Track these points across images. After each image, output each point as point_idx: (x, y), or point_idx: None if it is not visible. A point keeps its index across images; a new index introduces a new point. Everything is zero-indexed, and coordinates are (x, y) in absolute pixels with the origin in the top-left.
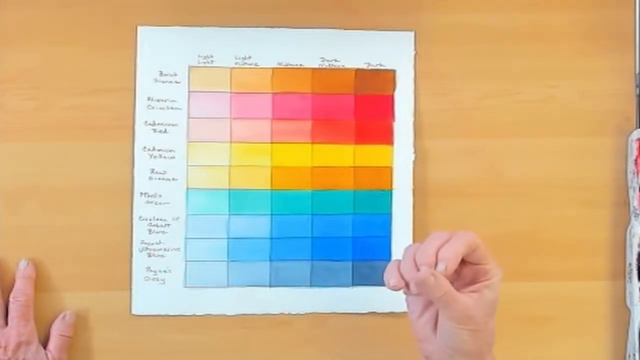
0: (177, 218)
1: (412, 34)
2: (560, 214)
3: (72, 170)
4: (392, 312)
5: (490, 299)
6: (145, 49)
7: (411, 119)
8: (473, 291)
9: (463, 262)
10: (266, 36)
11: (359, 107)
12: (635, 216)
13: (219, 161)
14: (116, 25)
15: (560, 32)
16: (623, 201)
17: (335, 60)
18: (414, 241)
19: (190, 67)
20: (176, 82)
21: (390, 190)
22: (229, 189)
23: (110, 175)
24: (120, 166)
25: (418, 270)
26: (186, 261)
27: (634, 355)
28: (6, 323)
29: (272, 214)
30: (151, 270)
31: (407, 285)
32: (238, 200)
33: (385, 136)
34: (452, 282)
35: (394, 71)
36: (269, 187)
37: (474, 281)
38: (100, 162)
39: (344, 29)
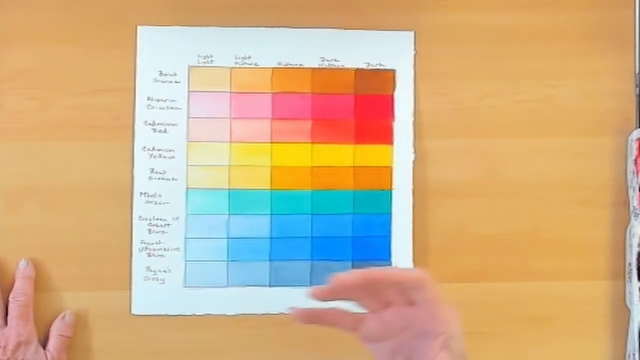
0: (177, 218)
1: (412, 34)
2: (560, 214)
3: (72, 170)
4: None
5: (461, 353)
6: (145, 49)
7: (411, 119)
8: (442, 349)
9: (415, 305)
10: (266, 36)
11: (359, 107)
12: (635, 216)
13: (219, 161)
14: (116, 25)
15: (560, 32)
16: (623, 201)
17: (335, 60)
18: (414, 241)
19: (190, 67)
20: (176, 82)
21: (390, 190)
22: (229, 189)
23: (110, 175)
24: (120, 166)
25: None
26: (186, 261)
27: (634, 355)
28: (6, 323)
29: (272, 214)
30: (151, 270)
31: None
32: (238, 200)
33: (385, 136)
34: (405, 330)
35: (394, 71)
36: (269, 187)
37: (432, 331)
38: (100, 162)
39: (344, 29)
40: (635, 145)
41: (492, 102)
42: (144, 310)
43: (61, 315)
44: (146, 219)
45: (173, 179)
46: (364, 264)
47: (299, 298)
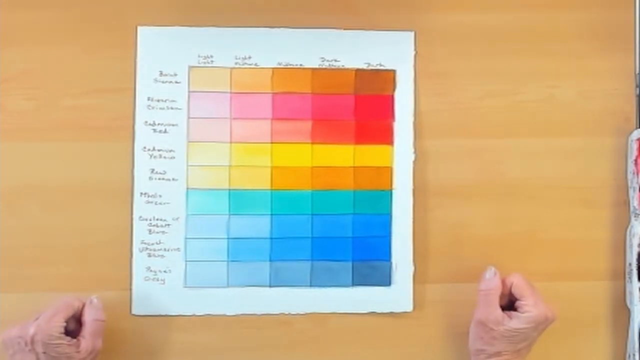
0: (177, 218)
1: (412, 34)
2: (560, 214)
3: (72, 170)
4: (392, 312)
5: (514, 327)
6: (145, 49)
7: (411, 119)
8: (507, 315)
9: (512, 297)
10: (266, 36)
11: (359, 107)
12: (635, 216)
13: (219, 161)
14: (116, 25)
15: (561, 32)
16: (623, 201)
17: (335, 60)
18: (414, 241)
19: (190, 67)
20: (176, 82)
21: (390, 190)
22: (229, 189)
23: (110, 175)
24: (120, 166)
25: None
26: (186, 261)
27: (634, 355)
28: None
29: (272, 214)
30: (151, 270)
31: None
32: (238, 200)
33: (385, 136)
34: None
35: (394, 71)
36: (269, 187)
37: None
38: (100, 162)
39: (344, 29)
40: (635, 145)
41: (492, 102)
42: (144, 310)
43: (88, 301)
44: (146, 219)
45: (173, 179)
46: (364, 264)
47: (299, 298)
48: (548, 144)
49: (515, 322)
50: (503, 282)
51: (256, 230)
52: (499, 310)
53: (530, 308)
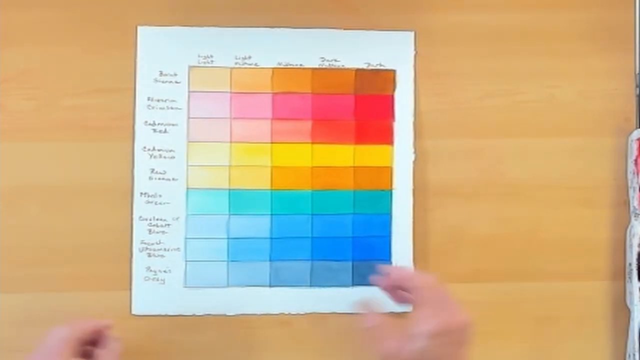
0: (177, 218)
1: (412, 34)
2: (560, 214)
3: (72, 170)
4: (392, 312)
5: (415, 349)
6: (145, 49)
7: (411, 119)
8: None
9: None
10: (266, 36)
11: (359, 107)
12: (635, 216)
13: (219, 161)
14: (116, 25)
15: (560, 32)
16: (623, 201)
17: (335, 60)
18: (414, 241)
19: (190, 67)
20: (176, 82)
21: (390, 190)
22: (229, 189)
23: (110, 175)
24: (120, 166)
25: None
26: (186, 261)
27: (634, 355)
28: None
29: (272, 214)
30: (151, 270)
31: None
32: (238, 200)
33: (385, 136)
34: None
35: (394, 71)
36: (269, 187)
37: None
38: (100, 162)
39: (344, 29)
40: (635, 145)
41: (492, 102)
42: (144, 310)
43: (105, 344)
44: (146, 219)
45: (173, 179)
46: (364, 263)
47: (299, 298)
48: (548, 144)
49: (413, 342)
50: (388, 276)
51: (256, 230)
52: (391, 340)
53: (420, 323)
